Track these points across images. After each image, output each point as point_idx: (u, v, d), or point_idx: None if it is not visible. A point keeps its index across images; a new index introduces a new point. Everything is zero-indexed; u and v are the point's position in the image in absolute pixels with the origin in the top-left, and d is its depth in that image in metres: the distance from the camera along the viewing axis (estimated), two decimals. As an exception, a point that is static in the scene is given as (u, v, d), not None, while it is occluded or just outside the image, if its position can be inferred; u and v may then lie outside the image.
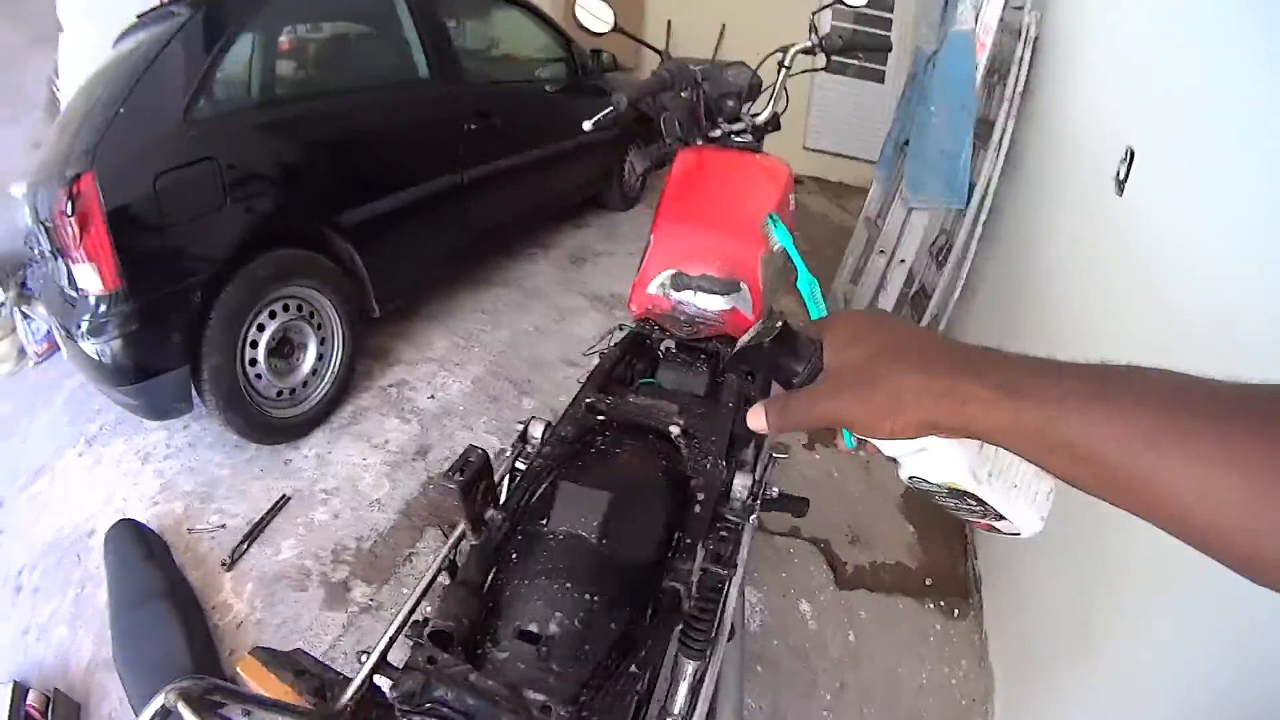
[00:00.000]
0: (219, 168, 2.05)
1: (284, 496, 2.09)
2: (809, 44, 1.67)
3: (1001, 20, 2.22)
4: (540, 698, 0.62)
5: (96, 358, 1.96)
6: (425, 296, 3.15)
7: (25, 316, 2.97)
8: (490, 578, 0.76)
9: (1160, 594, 1.12)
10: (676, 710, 0.76)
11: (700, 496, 0.83)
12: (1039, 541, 1.56)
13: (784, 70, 1.66)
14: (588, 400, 0.95)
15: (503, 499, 0.90)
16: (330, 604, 1.79)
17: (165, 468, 2.24)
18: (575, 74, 3.68)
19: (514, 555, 0.77)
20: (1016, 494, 0.48)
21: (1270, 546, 0.30)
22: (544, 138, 3.42)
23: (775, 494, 1.28)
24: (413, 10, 2.74)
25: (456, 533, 0.84)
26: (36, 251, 2.17)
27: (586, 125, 1.45)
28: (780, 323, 0.50)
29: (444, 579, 0.83)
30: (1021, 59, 2.26)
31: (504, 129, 3.04)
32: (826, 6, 1.75)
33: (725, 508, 0.85)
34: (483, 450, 0.76)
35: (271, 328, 2.20)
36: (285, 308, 2.24)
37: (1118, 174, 1.49)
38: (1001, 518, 0.49)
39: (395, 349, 2.86)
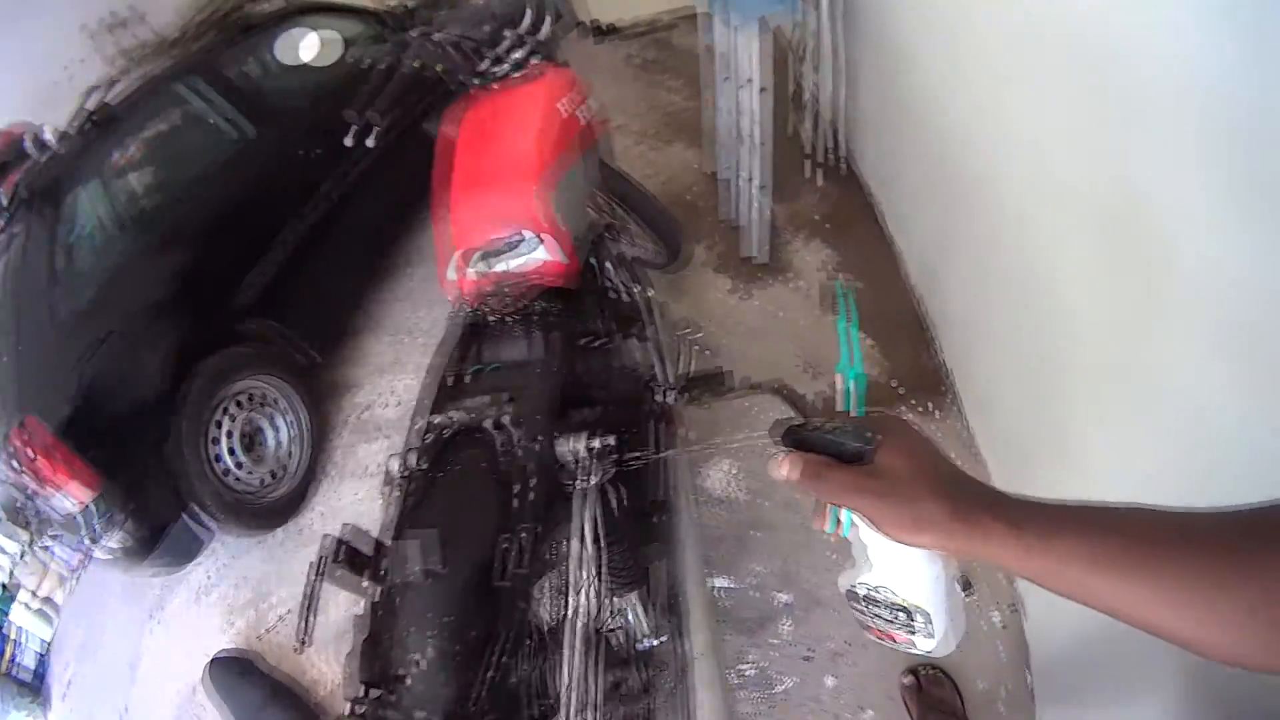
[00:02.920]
0: (120, 334, 2.14)
1: (314, 561, 2.25)
2: None
3: None
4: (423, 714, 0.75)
5: (113, 556, 2.14)
6: (347, 311, 3.01)
7: (47, 547, 2.90)
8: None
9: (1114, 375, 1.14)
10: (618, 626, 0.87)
11: (531, 482, 0.88)
12: (998, 329, 1.46)
13: None
14: (426, 426, 0.99)
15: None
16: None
17: (222, 594, 2.41)
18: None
19: (380, 613, 0.87)
20: (953, 621, 0.55)
21: (1208, 648, 0.42)
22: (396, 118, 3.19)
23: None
24: (210, 84, 2.65)
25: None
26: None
27: (347, 141, 1.40)
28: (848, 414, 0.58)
29: None
30: None
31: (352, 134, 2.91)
32: None
33: (560, 472, 0.90)
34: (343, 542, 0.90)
35: (226, 431, 2.28)
36: (239, 404, 2.32)
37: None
38: (913, 632, 0.55)
39: (347, 375, 2.84)
